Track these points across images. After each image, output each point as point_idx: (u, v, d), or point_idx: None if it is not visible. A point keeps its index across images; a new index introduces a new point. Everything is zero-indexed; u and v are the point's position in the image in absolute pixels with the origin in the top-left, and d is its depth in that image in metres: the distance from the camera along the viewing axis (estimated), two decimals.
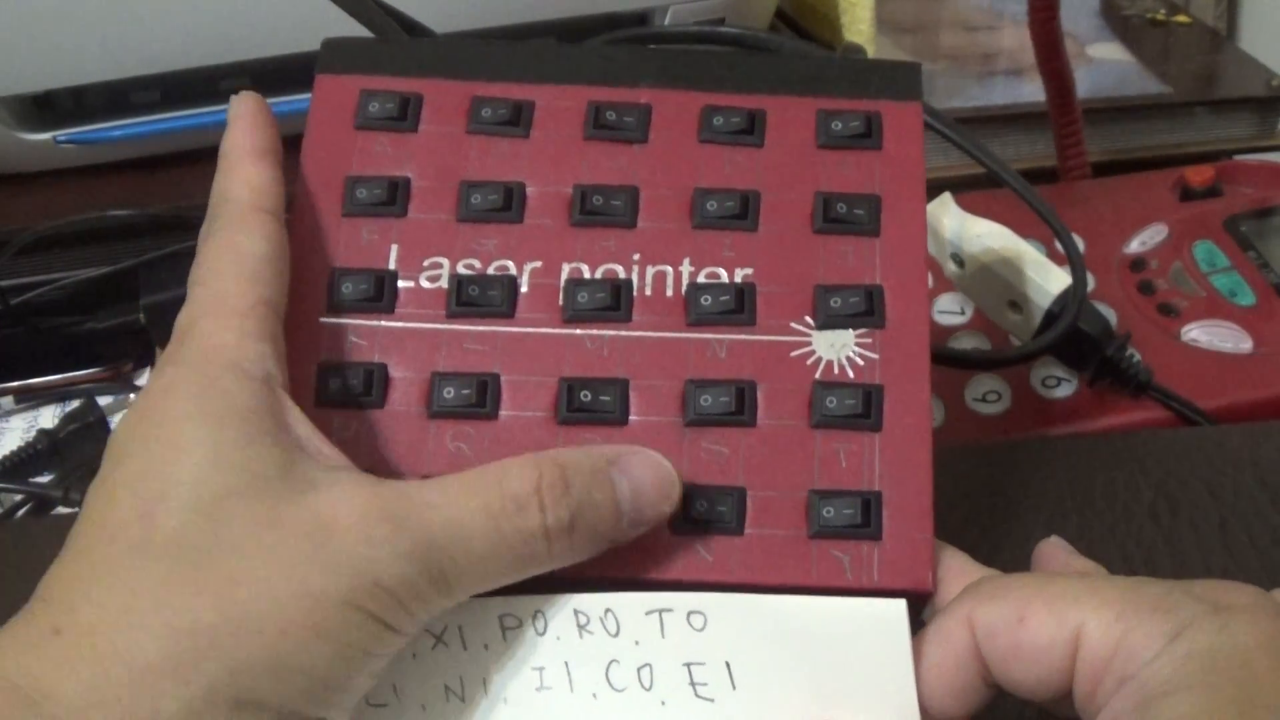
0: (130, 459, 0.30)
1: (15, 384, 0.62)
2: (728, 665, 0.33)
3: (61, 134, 0.64)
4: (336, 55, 0.40)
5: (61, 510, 0.54)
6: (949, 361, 0.52)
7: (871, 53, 0.69)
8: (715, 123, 0.39)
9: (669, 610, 0.33)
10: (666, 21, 0.67)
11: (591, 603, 0.33)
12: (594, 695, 0.33)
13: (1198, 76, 0.76)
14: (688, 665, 0.33)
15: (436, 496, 0.31)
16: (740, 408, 0.35)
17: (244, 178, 0.35)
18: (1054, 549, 0.35)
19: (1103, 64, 0.76)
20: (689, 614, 0.33)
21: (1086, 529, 0.45)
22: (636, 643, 0.33)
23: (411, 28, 0.45)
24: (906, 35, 0.79)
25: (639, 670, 0.33)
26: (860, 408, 0.35)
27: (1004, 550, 0.43)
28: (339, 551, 0.29)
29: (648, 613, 0.33)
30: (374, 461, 0.35)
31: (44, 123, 0.65)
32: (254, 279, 0.33)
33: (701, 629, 0.33)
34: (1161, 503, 0.45)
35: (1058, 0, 0.61)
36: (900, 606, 0.33)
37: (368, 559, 0.29)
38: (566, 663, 0.33)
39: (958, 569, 0.34)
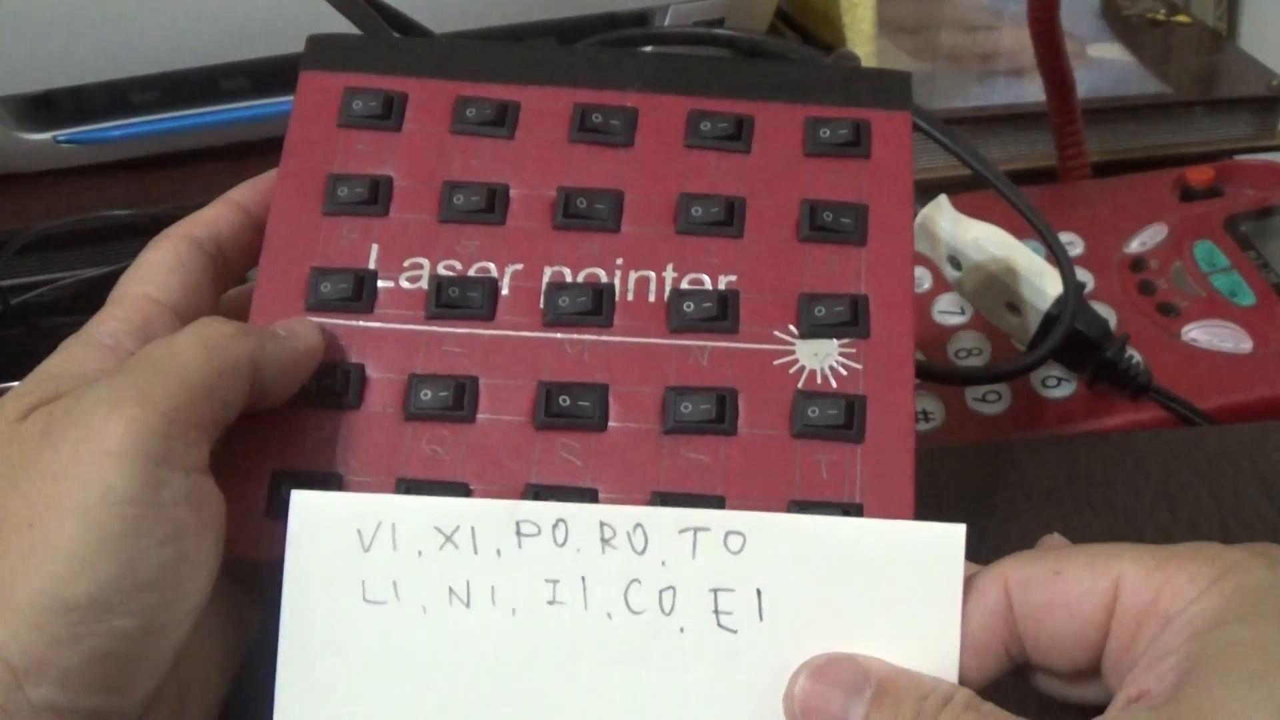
0: None
1: (15, 384, 0.62)
2: (758, 593, 0.31)
3: (61, 134, 0.64)
4: (321, 52, 0.40)
5: None
6: (948, 379, 0.51)
7: (872, 51, 0.68)
8: (702, 128, 0.38)
9: (705, 529, 0.31)
10: (666, 22, 0.66)
11: (620, 515, 0.31)
12: (609, 615, 0.31)
13: (1198, 76, 0.76)
14: (715, 591, 0.31)
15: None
16: (721, 416, 0.35)
17: (191, 217, 0.38)
18: (1056, 547, 0.35)
19: (1103, 64, 0.76)
20: (726, 534, 0.31)
21: (1086, 529, 0.44)
22: (663, 563, 0.31)
23: (408, 27, 0.45)
24: (906, 35, 0.79)
25: (661, 593, 0.31)
26: (842, 418, 0.35)
27: (1004, 550, 0.42)
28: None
29: (681, 531, 0.31)
30: (348, 463, 0.35)
31: (44, 123, 0.65)
32: (141, 280, 0.37)
33: (738, 551, 0.31)
34: (1161, 503, 0.45)
35: (1058, 0, 0.61)
36: (959, 531, 0.31)
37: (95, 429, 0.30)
38: (584, 578, 0.31)
39: None
